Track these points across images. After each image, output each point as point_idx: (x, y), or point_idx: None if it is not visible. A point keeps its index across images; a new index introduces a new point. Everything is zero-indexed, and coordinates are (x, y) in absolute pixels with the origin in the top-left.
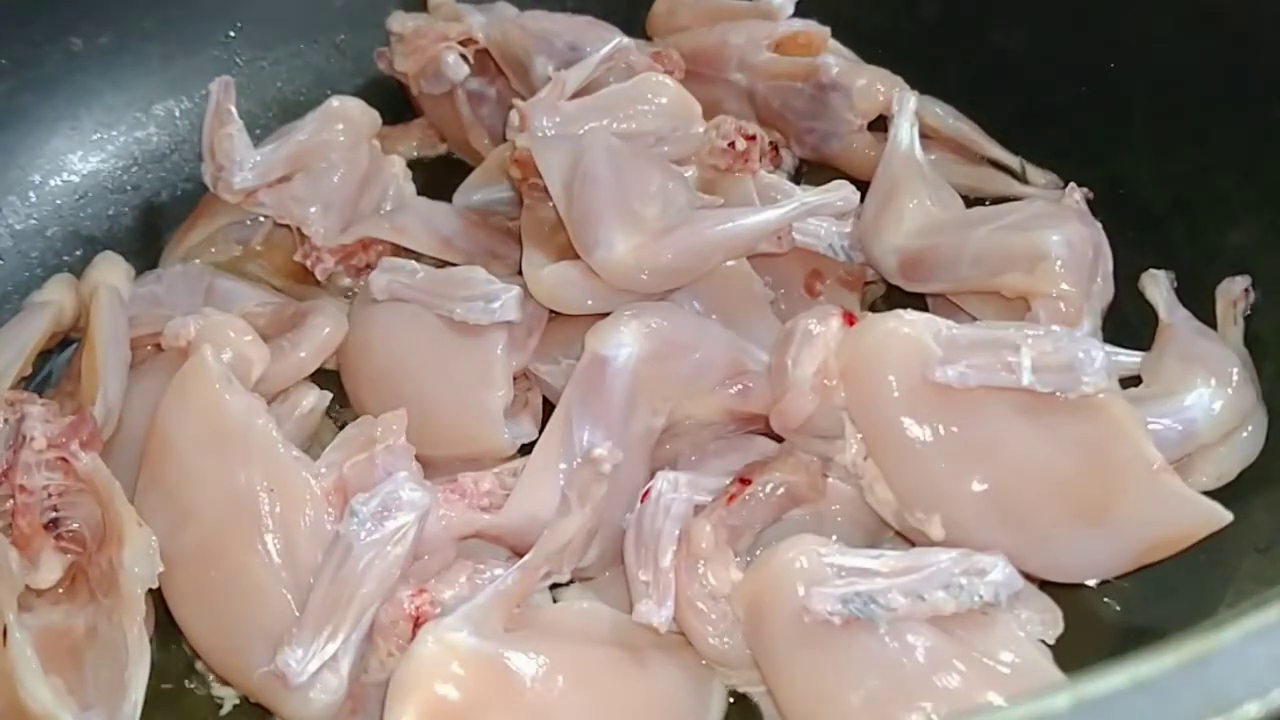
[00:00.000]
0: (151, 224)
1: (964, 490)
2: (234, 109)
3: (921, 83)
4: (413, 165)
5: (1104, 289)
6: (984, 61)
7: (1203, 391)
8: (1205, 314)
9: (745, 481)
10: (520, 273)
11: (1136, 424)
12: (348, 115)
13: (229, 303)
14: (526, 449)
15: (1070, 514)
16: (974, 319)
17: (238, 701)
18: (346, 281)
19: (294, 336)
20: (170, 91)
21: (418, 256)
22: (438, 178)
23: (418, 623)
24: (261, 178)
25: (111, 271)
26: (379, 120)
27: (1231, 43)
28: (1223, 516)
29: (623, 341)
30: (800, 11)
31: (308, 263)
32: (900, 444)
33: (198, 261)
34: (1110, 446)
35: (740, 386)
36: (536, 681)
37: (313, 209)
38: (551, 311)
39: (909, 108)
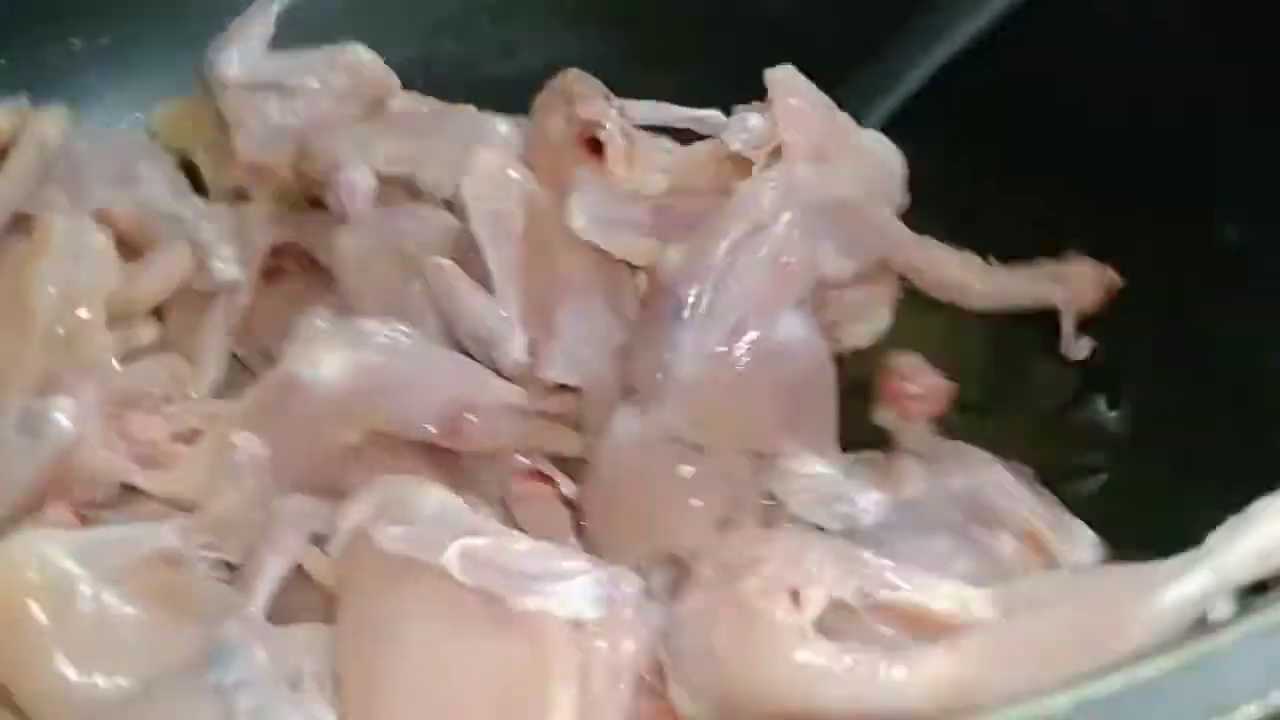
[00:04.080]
0: None
1: None
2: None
3: (922, 85)
4: None
5: None
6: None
7: None
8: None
9: None
10: None
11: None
12: (357, 65)
13: (134, 186)
14: None
15: None
16: None
17: None
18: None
19: (146, 260)
20: (171, 92)
21: None
22: None
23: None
24: (247, 75)
25: (52, 121)
26: (394, 84)
27: (1233, 41)
28: None
29: (323, 371)
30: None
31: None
32: None
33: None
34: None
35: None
36: (103, 626)
37: (260, 130)
38: None
39: None
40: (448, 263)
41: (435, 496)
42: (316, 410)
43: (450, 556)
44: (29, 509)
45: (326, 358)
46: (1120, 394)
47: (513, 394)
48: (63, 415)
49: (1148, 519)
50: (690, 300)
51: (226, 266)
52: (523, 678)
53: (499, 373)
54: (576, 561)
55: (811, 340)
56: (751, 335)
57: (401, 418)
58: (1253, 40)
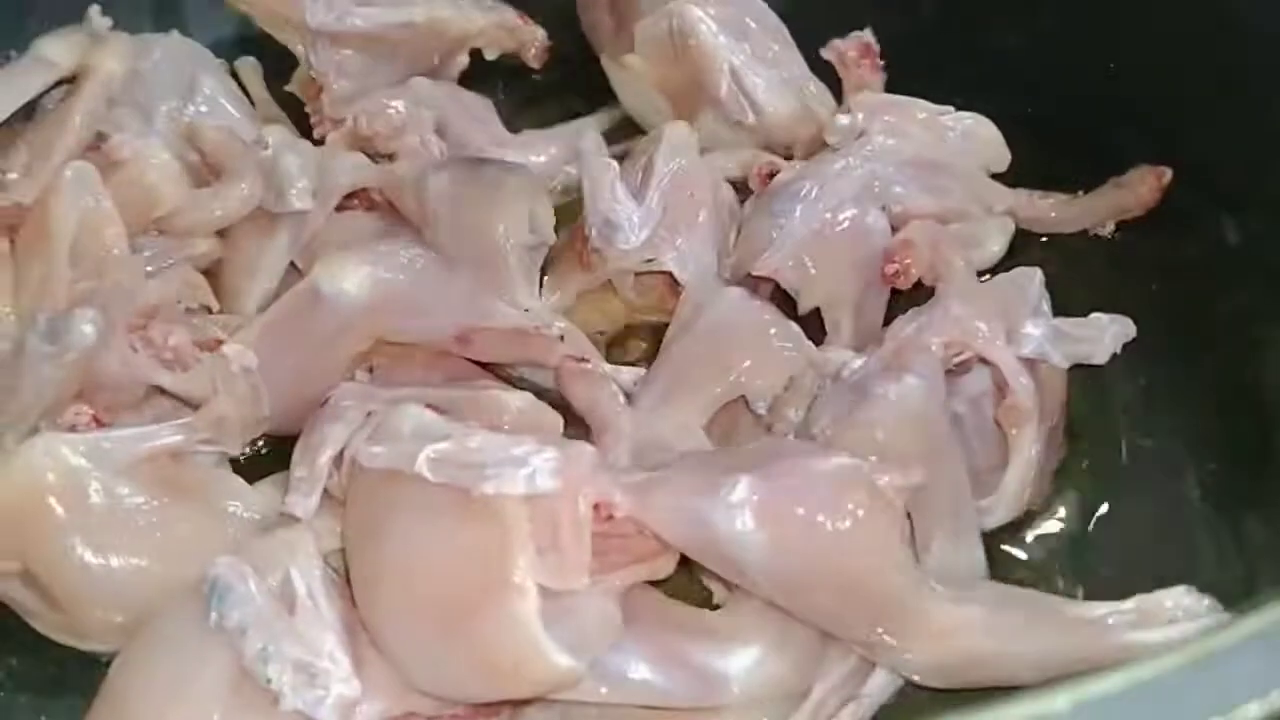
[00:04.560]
0: None
1: None
2: None
3: (922, 81)
4: None
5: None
6: (984, 61)
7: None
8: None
9: None
10: None
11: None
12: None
13: (197, 100)
14: None
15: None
16: None
17: None
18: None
19: (216, 188)
20: None
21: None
22: None
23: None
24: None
25: (114, 57)
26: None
27: (1232, 41)
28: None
29: (346, 286)
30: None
31: (312, 119)
32: None
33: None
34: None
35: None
36: (115, 514)
37: (345, 82)
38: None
39: None
40: (609, 158)
41: (413, 417)
42: (337, 322)
43: (420, 463)
44: (54, 414)
45: (349, 273)
46: None
47: (517, 320)
48: (87, 324)
49: None
50: (803, 190)
51: (301, 199)
52: (488, 550)
53: (608, 252)
54: (527, 446)
55: (885, 229)
56: (847, 214)
57: (414, 332)
58: None
